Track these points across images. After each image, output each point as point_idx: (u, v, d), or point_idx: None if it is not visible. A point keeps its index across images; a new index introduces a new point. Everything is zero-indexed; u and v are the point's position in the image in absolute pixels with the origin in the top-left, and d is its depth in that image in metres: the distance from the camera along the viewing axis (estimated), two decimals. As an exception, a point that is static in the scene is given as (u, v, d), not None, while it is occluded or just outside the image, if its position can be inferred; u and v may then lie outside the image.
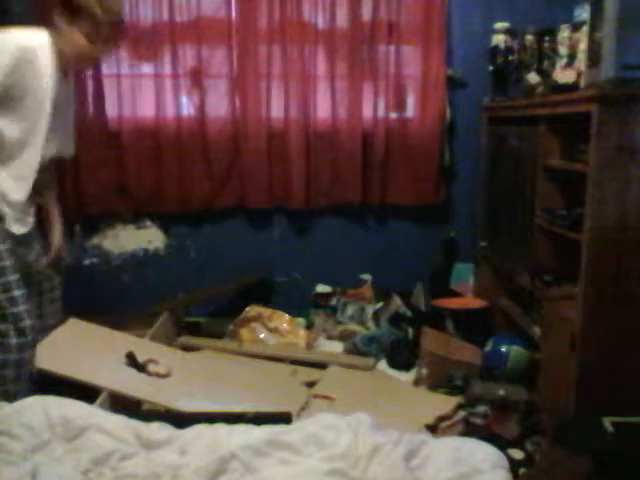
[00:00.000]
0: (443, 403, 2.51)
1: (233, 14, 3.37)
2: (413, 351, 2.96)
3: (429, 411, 2.41)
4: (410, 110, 3.51)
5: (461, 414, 2.44)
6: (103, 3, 2.05)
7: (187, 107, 3.46)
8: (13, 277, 2.16)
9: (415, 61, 3.44)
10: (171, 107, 3.42)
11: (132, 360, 2.57)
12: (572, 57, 2.42)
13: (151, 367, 2.58)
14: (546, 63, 2.69)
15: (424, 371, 2.78)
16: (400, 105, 3.48)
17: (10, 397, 2.09)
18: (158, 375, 2.56)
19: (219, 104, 3.44)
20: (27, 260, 2.29)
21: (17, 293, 2.15)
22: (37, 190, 2.27)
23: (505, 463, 1.71)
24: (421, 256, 3.58)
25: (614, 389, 2.26)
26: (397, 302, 3.36)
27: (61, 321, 2.61)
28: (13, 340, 2.17)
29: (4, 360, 2.18)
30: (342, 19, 3.38)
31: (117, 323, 3.03)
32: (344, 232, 3.66)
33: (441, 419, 2.38)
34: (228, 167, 3.49)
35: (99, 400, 2.29)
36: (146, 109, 3.43)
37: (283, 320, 3.25)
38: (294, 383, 2.73)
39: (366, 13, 3.37)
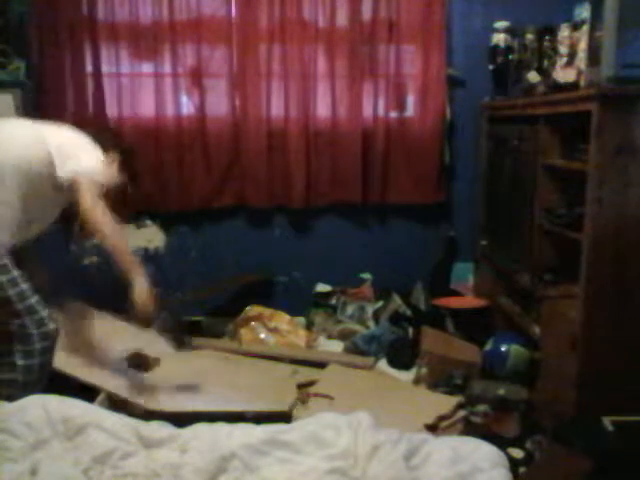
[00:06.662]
0: (443, 402, 2.51)
1: (233, 13, 3.36)
2: (413, 350, 2.96)
3: (429, 410, 2.41)
4: (410, 109, 3.50)
5: (461, 413, 2.44)
6: None
7: (187, 106, 3.45)
8: (17, 272, 2.17)
9: (415, 60, 3.43)
10: (171, 106, 3.42)
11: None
12: (572, 56, 2.42)
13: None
14: (546, 62, 2.69)
15: (424, 370, 2.78)
16: (400, 104, 3.48)
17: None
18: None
19: (219, 103, 3.44)
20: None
21: (24, 286, 2.17)
22: None
23: (505, 462, 1.71)
24: (421, 255, 3.58)
25: (614, 389, 2.26)
26: (397, 301, 3.36)
27: None
28: (34, 331, 2.18)
29: (29, 351, 2.19)
30: (342, 18, 3.38)
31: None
32: (344, 232, 3.66)
33: (441, 418, 2.38)
34: (228, 166, 3.49)
35: (99, 399, 2.29)
36: (146, 108, 3.42)
37: (283, 320, 3.25)
38: (294, 383, 2.72)
39: (366, 12, 3.37)
